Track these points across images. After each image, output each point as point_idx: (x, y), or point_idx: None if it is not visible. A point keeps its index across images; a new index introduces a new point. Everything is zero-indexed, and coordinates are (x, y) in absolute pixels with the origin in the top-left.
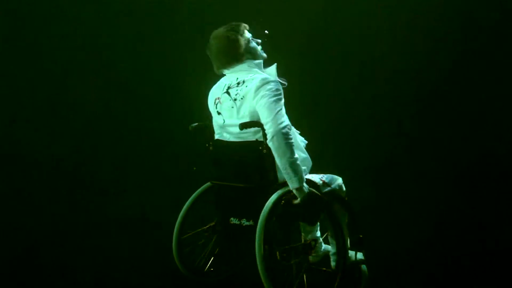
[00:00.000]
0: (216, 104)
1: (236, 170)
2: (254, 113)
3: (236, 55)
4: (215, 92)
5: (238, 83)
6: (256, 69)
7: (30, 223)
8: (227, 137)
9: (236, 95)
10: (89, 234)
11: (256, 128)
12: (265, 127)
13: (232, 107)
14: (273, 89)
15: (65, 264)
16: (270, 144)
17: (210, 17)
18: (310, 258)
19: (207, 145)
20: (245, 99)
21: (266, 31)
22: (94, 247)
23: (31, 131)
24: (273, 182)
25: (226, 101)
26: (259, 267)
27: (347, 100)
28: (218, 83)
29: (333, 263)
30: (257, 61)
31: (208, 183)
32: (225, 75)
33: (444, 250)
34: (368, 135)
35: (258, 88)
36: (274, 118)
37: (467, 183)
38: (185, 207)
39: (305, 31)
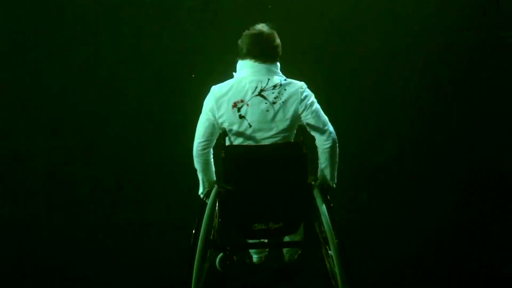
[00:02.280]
0: (240, 107)
1: (270, 173)
2: (297, 117)
3: (277, 54)
4: (234, 95)
5: (275, 86)
6: (282, 75)
7: (30, 228)
8: (252, 143)
9: (275, 98)
10: (90, 239)
11: (289, 133)
12: (325, 133)
13: (267, 110)
14: (314, 96)
15: (66, 269)
16: (329, 147)
17: (215, 21)
18: None
19: (222, 152)
20: (287, 103)
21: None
22: (94, 252)
23: (29, 134)
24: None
25: (259, 104)
26: (339, 258)
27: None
28: (235, 85)
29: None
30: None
31: (214, 195)
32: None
33: (444, 255)
34: (367, 137)
35: (302, 93)
36: (330, 125)
37: (471, 187)
38: (203, 230)
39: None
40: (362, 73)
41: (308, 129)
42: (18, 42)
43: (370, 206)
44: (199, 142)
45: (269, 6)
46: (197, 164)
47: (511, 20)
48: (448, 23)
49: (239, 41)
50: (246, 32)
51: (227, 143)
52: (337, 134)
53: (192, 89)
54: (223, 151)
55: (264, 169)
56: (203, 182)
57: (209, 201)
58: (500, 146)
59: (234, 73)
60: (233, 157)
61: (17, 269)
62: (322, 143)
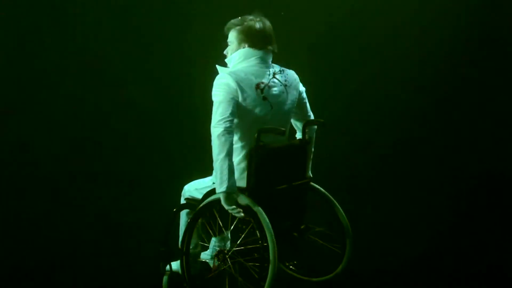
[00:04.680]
0: (263, 89)
1: (294, 172)
2: (298, 99)
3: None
4: (253, 77)
5: (280, 71)
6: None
7: (27, 225)
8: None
9: (285, 81)
10: (87, 237)
11: (291, 116)
12: (312, 116)
13: (283, 92)
14: None
15: (64, 269)
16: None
17: (213, 17)
18: None
19: (259, 150)
20: (292, 85)
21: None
22: (92, 249)
23: (27, 131)
24: None
25: (277, 86)
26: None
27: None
28: (248, 70)
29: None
30: None
31: (253, 202)
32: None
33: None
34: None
35: (298, 78)
36: None
37: (471, 187)
38: (272, 247)
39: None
40: (362, 73)
41: (298, 114)
42: (21, 40)
43: (370, 206)
44: (226, 120)
45: (282, 13)
46: (223, 148)
47: (510, 20)
48: (448, 24)
49: (238, 30)
50: (247, 21)
51: (240, 141)
52: (336, 133)
53: (193, 91)
54: (259, 150)
55: (291, 168)
56: (230, 181)
57: (260, 214)
58: (501, 146)
59: (217, 66)
60: (268, 157)
61: (16, 269)
62: (311, 126)
